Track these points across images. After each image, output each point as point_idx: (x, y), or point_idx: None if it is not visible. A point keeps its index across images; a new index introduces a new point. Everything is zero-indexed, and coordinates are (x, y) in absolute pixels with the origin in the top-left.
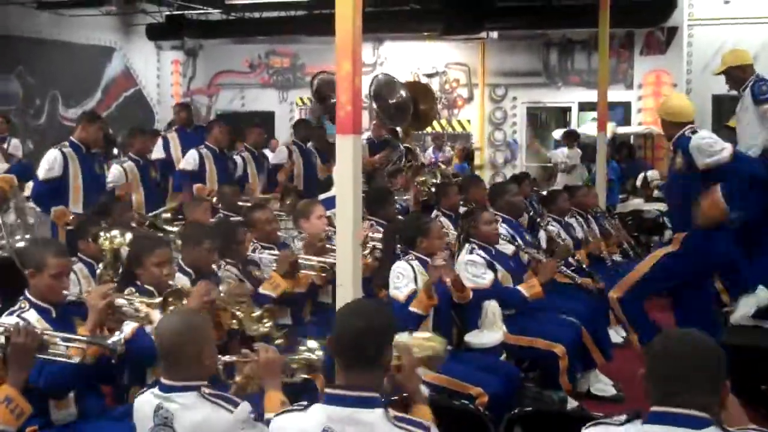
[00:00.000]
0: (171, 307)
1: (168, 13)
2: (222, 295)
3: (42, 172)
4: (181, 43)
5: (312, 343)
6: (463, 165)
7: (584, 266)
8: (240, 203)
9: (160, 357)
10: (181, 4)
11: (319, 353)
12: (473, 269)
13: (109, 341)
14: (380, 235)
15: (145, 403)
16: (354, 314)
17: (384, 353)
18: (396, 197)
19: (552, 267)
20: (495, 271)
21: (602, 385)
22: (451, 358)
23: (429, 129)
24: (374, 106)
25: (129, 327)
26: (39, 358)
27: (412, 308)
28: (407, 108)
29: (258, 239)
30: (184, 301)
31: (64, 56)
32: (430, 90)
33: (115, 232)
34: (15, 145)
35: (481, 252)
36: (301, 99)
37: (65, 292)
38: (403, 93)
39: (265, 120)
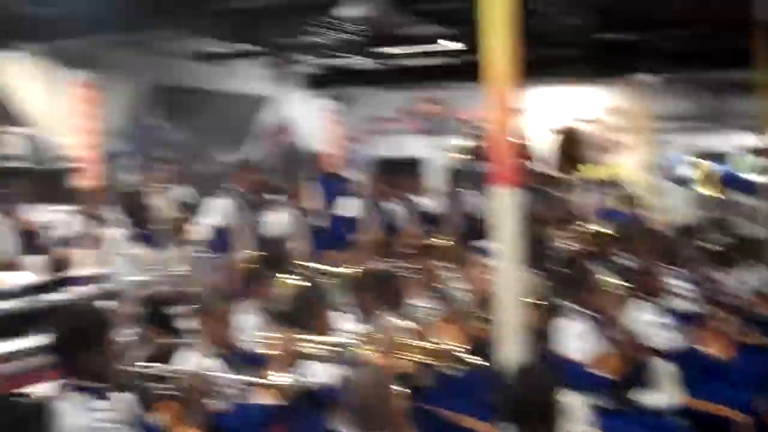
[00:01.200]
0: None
1: (322, 64)
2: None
3: (209, 220)
4: (334, 92)
5: None
6: (625, 213)
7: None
8: (397, 250)
9: (349, 412)
10: (335, 54)
11: None
12: (661, 331)
13: (287, 384)
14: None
15: None
16: (525, 379)
17: (555, 420)
18: (555, 247)
19: (735, 326)
20: (675, 330)
21: None
22: (618, 417)
23: (584, 175)
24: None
25: (310, 370)
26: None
27: (594, 371)
28: (560, 155)
29: (423, 286)
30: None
31: (222, 105)
32: (583, 135)
33: (285, 278)
34: (179, 193)
35: (660, 310)
36: (453, 146)
37: (236, 335)
38: (556, 140)
39: (417, 166)
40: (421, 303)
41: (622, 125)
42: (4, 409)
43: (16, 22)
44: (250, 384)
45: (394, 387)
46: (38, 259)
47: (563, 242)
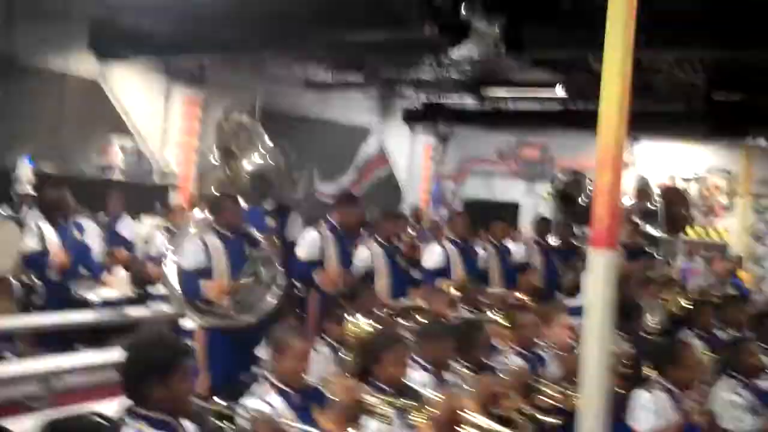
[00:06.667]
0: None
1: (425, 99)
2: None
3: (302, 252)
4: (434, 128)
5: None
6: (731, 279)
7: None
8: (482, 299)
9: None
10: (438, 91)
11: None
12: (734, 412)
13: None
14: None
15: None
16: None
17: None
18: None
19: None
20: (758, 415)
21: None
22: None
23: (682, 236)
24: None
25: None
26: None
27: None
28: (665, 214)
29: (515, 343)
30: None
31: (324, 134)
32: (685, 194)
33: (361, 318)
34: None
35: (745, 392)
36: (549, 193)
37: (305, 376)
38: (657, 198)
39: (511, 211)
40: (508, 359)
41: (727, 187)
42: (71, 425)
43: (131, 35)
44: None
45: None
46: (125, 273)
47: (658, 308)
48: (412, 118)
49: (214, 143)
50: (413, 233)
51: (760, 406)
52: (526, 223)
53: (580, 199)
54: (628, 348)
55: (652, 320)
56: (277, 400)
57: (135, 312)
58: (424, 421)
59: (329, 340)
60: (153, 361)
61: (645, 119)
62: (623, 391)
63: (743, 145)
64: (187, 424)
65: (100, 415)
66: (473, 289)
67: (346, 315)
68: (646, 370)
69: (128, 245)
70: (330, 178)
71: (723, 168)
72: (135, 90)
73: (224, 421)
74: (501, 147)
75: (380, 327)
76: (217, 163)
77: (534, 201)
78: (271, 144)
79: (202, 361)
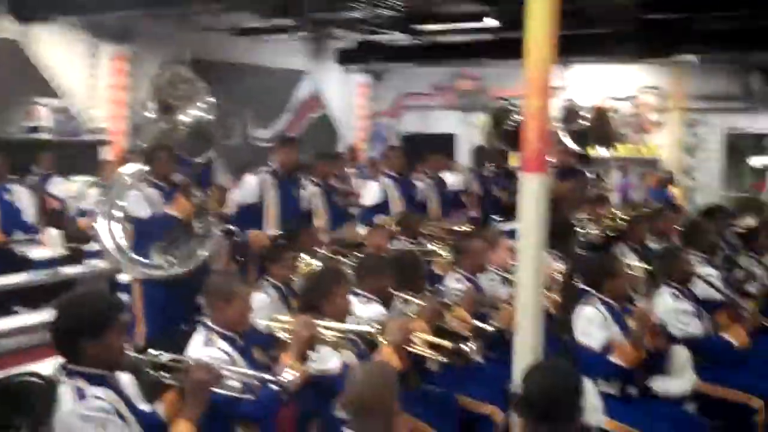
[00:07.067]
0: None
1: (357, 38)
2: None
3: (239, 197)
4: (368, 66)
5: None
6: (663, 192)
7: None
8: (422, 230)
9: (348, 408)
10: (370, 29)
11: None
12: (683, 318)
13: (286, 379)
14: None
15: None
16: (547, 373)
17: (576, 416)
18: (579, 229)
19: (758, 320)
20: (697, 316)
21: None
22: (634, 405)
23: (615, 153)
24: (560, 132)
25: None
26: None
27: (613, 359)
28: (588, 132)
29: (465, 269)
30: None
31: (256, 79)
32: (611, 113)
33: (307, 258)
34: (218, 167)
35: (685, 298)
36: (485, 122)
37: (251, 317)
38: (584, 117)
39: (448, 142)
40: (450, 285)
41: (658, 105)
42: (8, 387)
43: None
44: (261, 373)
45: (394, 383)
46: (59, 232)
47: (590, 225)
48: (345, 58)
49: (150, 96)
50: (350, 171)
51: (699, 311)
52: (462, 154)
53: (510, 125)
54: (564, 266)
55: (586, 237)
56: (225, 346)
57: (71, 270)
58: (384, 344)
59: (273, 281)
60: (85, 319)
61: (575, 43)
62: (562, 310)
63: (673, 63)
64: (123, 377)
65: (37, 375)
66: (413, 222)
67: (289, 256)
68: (584, 286)
69: (60, 204)
70: (265, 123)
71: (654, 86)
72: (59, 50)
73: (162, 372)
74: (436, 81)
75: (325, 263)
76: (152, 117)
77: (469, 131)
78: (210, 97)
79: (139, 314)
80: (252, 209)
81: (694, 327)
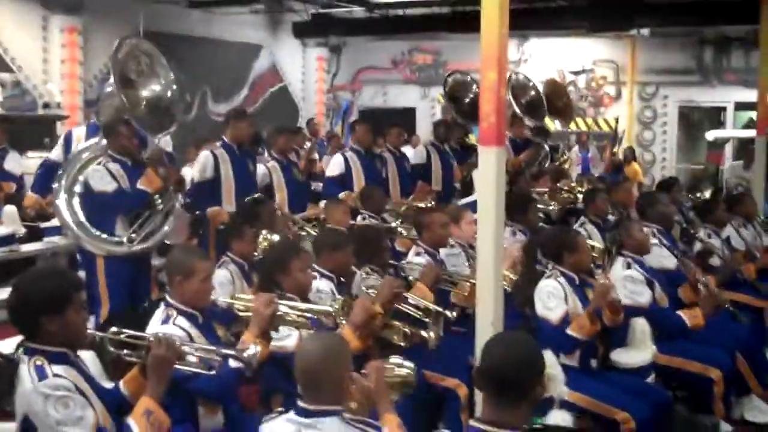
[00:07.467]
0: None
1: (314, 11)
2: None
3: (196, 174)
4: (325, 40)
5: (396, 359)
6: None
7: (750, 281)
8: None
9: (299, 380)
10: (327, 2)
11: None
12: (632, 286)
13: (246, 354)
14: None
15: (279, 429)
16: (505, 346)
17: (536, 388)
18: (539, 202)
19: (717, 299)
20: (653, 289)
21: (758, 411)
22: (595, 377)
23: (573, 127)
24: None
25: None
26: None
27: (570, 332)
28: (541, 105)
29: (426, 243)
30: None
31: (213, 53)
32: (564, 85)
33: (267, 234)
34: (166, 141)
35: (638, 267)
36: (442, 96)
37: (211, 294)
38: (536, 90)
39: (407, 116)
40: (412, 260)
41: (614, 77)
42: None
43: None
44: (222, 349)
45: (345, 353)
46: (14, 209)
47: (547, 198)
48: (302, 32)
49: (109, 70)
50: (309, 145)
51: (651, 282)
52: (422, 127)
53: (468, 99)
54: (523, 240)
55: (544, 210)
56: (183, 323)
57: (30, 247)
58: (343, 323)
59: (234, 257)
60: (43, 296)
61: (531, 16)
62: (522, 283)
63: (628, 36)
64: (85, 355)
65: None
66: (377, 197)
67: (250, 232)
68: (542, 259)
69: (16, 180)
70: (223, 98)
71: (609, 59)
72: (9, 23)
73: (124, 350)
74: (394, 55)
75: (285, 238)
76: (111, 90)
77: (429, 105)
78: (170, 73)
79: (102, 291)
80: (208, 185)
81: (646, 297)
